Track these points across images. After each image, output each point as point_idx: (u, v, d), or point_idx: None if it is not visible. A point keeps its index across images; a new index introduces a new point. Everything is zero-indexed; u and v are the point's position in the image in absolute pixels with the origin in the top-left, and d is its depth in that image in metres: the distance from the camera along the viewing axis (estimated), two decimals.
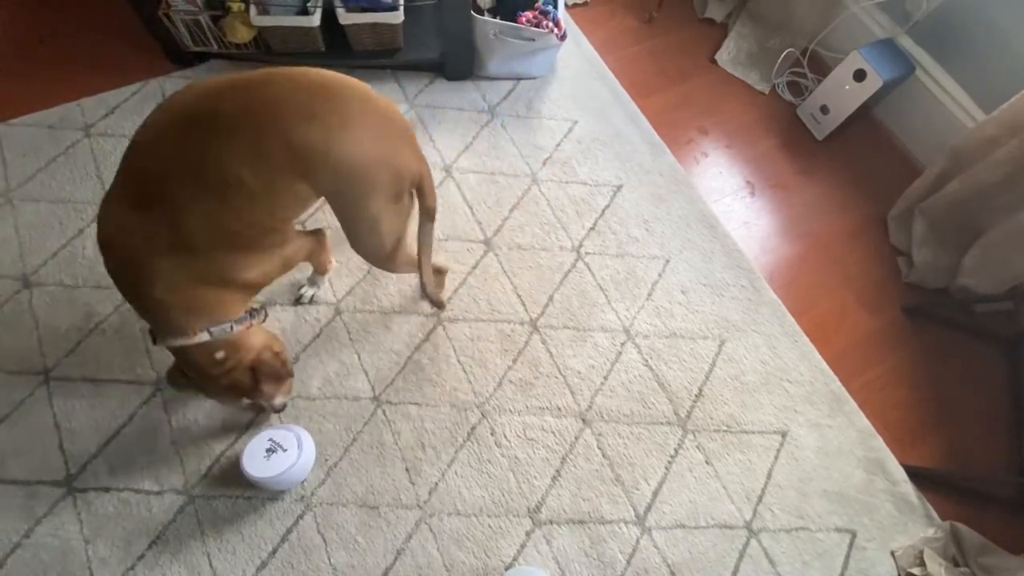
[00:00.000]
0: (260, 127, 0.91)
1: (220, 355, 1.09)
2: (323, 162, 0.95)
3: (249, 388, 1.16)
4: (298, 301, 1.52)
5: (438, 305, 1.53)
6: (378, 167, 1.01)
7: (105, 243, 1.00)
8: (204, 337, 1.04)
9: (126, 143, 1.64)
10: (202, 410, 1.40)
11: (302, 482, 1.34)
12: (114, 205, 0.98)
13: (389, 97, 1.83)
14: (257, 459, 1.25)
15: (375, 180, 1.01)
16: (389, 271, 1.31)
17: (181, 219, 0.95)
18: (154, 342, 1.07)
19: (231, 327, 1.07)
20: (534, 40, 1.77)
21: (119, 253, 0.99)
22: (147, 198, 0.95)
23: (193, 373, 1.12)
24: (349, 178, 0.99)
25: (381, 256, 1.20)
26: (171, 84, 1.78)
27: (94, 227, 1.52)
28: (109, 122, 1.71)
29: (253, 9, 1.64)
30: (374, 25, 1.72)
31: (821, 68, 2.10)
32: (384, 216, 1.09)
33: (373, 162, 1.00)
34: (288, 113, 0.92)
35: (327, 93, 0.95)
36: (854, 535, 1.46)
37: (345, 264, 1.59)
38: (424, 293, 1.50)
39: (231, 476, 1.33)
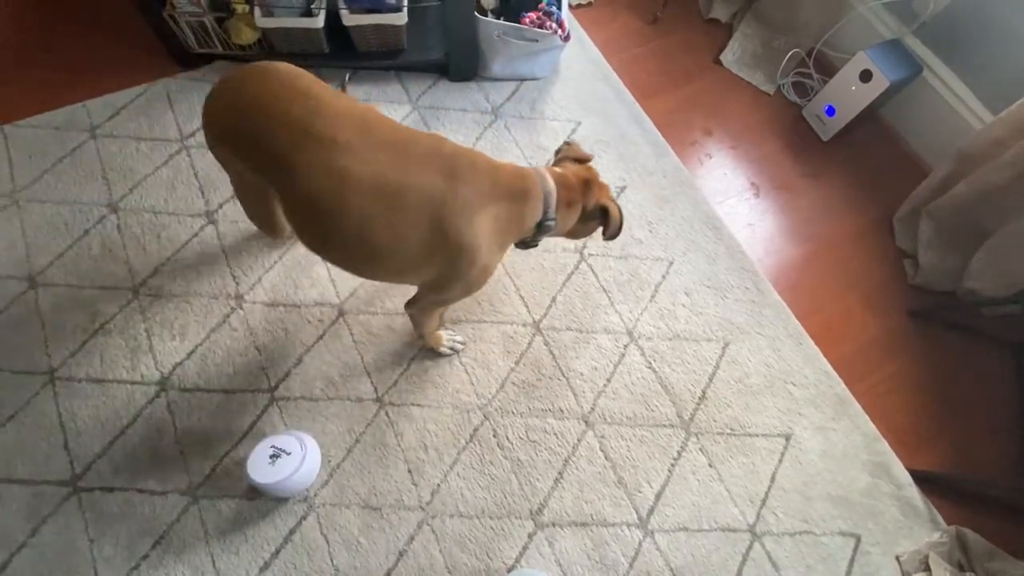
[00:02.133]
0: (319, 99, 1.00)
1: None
2: None
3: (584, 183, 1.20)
4: None
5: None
6: None
7: None
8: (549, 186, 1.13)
9: (132, 144, 1.69)
10: (206, 411, 1.40)
11: (308, 488, 1.34)
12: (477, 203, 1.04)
13: (392, 98, 1.86)
14: (261, 465, 1.25)
15: None
16: None
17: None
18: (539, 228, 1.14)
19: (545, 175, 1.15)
20: (538, 41, 1.77)
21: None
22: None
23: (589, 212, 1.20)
24: None
25: None
26: (176, 86, 1.79)
27: (100, 227, 1.56)
28: (115, 123, 1.72)
29: (257, 11, 1.64)
30: (378, 26, 1.72)
31: (827, 69, 2.09)
32: None
33: None
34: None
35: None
36: (858, 539, 1.45)
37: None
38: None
39: (235, 477, 1.34)
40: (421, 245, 1.02)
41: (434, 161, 1.01)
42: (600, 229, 1.24)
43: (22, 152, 1.65)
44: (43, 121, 1.70)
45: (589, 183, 1.19)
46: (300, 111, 0.96)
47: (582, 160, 1.24)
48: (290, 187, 0.98)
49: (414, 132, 1.05)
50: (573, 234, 1.27)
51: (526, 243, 1.21)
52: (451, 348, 1.50)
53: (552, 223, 1.14)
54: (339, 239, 1.01)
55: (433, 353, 1.51)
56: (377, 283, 1.58)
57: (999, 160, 1.54)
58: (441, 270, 1.08)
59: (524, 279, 1.64)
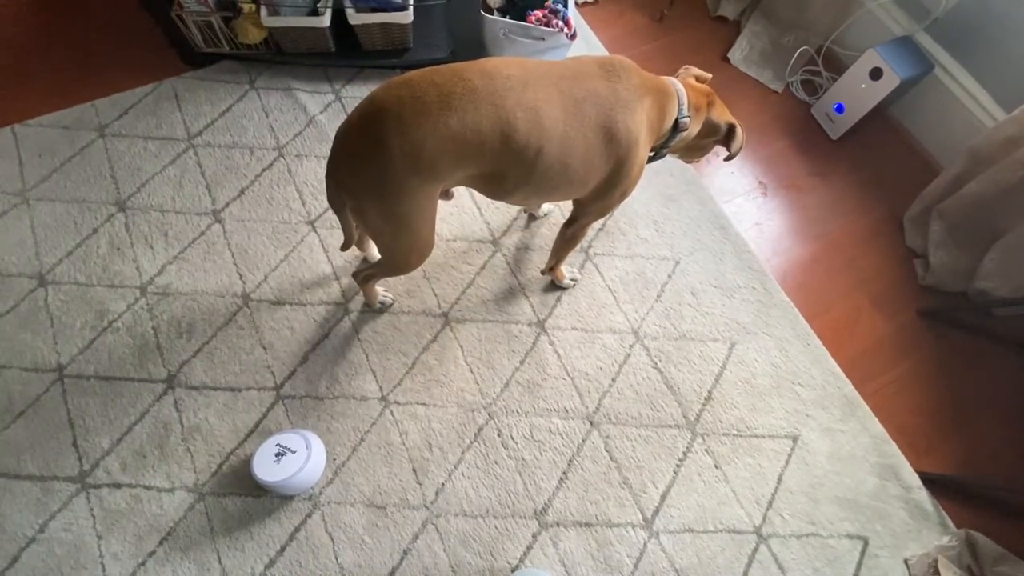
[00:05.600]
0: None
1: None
2: None
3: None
4: None
5: None
6: None
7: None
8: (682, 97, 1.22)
9: (140, 143, 1.70)
10: (212, 408, 1.41)
11: (313, 486, 1.35)
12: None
13: None
14: (267, 463, 1.26)
15: None
16: None
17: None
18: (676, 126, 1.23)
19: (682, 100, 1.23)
20: (544, 39, 1.76)
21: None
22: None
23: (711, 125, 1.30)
24: None
25: None
26: (183, 85, 1.80)
27: (108, 226, 1.58)
28: (123, 123, 1.73)
29: (264, 10, 1.65)
30: (383, 25, 1.72)
31: (836, 66, 2.07)
32: None
33: None
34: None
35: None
36: (866, 542, 1.44)
37: (352, 264, 1.60)
38: None
39: (241, 474, 1.35)
40: (600, 147, 1.11)
41: (591, 70, 1.10)
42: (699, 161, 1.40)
43: (31, 151, 1.67)
44: (52, 120, 1.72)
45: (711, 96, 1.28)
46: (459, 79, 0.99)
47: (700, 80, 1.32)
48: (504, 142, 1.02)
49: (550, 61, 1.12)
50: (691, 150, 1.36)
51: (657, 150, 1.28)
52: (572, 280, 1.63)
53: (687, 120, 1.21)
54: (544, 168, 1.08)
55: (554, 286, 1.64)
56: (381, 283, 1.58)
57: (1012, 158, 1.52)
58: (610, 169, 1.16)
59: (529, 277, 1.64)
